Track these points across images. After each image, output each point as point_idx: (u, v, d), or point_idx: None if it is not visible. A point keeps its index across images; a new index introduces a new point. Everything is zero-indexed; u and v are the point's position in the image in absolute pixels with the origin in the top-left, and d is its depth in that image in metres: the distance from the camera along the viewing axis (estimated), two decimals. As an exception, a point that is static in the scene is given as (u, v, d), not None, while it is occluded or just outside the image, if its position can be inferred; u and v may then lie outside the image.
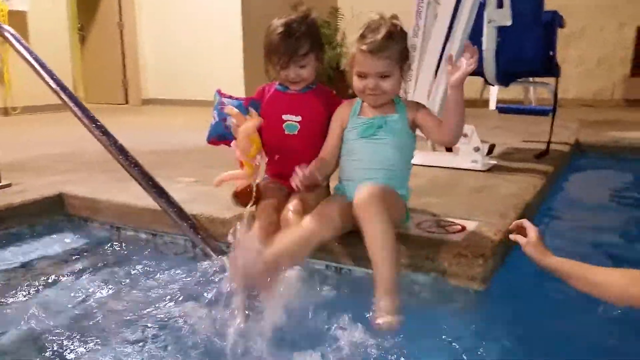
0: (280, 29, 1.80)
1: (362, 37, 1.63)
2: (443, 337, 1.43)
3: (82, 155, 3.54)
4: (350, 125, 1.75)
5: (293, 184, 1.62)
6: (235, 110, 1.80)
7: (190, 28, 8.18)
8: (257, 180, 1.88)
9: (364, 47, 1.61)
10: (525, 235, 1.55)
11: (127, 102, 8.83)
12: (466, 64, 1.54)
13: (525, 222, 1.58)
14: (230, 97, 1.96)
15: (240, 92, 7.24)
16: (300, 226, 1.60)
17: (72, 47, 8.00)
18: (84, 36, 8.97)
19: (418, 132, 1.77)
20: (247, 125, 1.75)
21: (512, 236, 1.59)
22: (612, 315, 1.37)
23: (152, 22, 8.67)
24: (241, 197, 1.90)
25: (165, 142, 4.08)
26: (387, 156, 1.69)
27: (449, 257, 1.60)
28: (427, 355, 1.36)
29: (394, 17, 1.68)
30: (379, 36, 1.59)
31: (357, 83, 1.68)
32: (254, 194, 1.87)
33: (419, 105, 1.77)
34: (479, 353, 1.38)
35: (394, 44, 1.62)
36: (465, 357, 1.35)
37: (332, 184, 1.92)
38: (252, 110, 1.80)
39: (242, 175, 1.86)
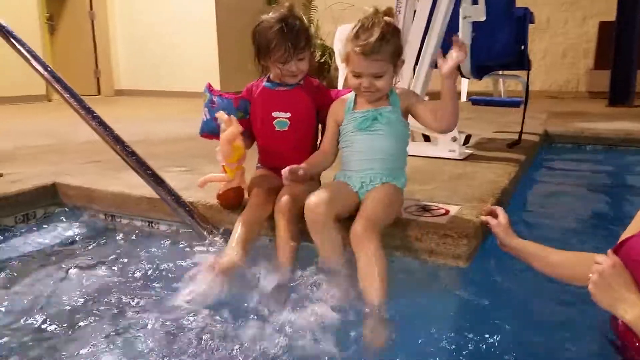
0: (277, 26, 1.83)
1: (356, 37, 1.67)
2: (432, 310, 1.56)
3: (68, 145, 3.58)
4: (346, 120, 1.83)
5: (284, 182, 1.73)
6: (225, 116, 1.89)
7: (164, 17, 8.14)
8: (238, 184, 1.98)
9: (357, 49, 1.66)
10: (495, 219, 1.70)
11: (99, 93, 8.75)
12: (456, 55, 1.64)
13: (497, 208, 1.73)
14: (220, 94, 2.02)
15: (215, 81, 7.26)
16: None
17: (42, 37, 7.87)
18: (54, 26, 8.82)
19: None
20: (228, 132, 1.85)
21: (483, 218, 1.73)
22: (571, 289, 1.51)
23: (124, 12, 8.60)
24: (223, 200, 2.00)
25: (147, 133, 4.11)
26: (383, 146, 1.78)
27: (436, 237, 1.74)
28: (416, 329, 1.48)
29: (388, 12, 1.71)
30: (372, 39, 1.63)
31: (352, 81, 1.74)
32: (233, 196, 1.98)
33: (412, 95, 1.83)
34: (465, 324, 1.53)
35: (386, 45, 1.66)
36: (454, 329, 1.49)
37: (327, 173, 2.02)
38: (232, 117, 1.88)
39: (224, 179, 1.97)
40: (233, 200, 2.00)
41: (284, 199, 1.82)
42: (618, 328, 1.28)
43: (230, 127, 1.86)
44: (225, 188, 1.98)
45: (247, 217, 1.86)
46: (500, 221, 1.67)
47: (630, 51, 5.96)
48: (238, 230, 1.81)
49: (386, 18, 1.70)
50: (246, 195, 2.01)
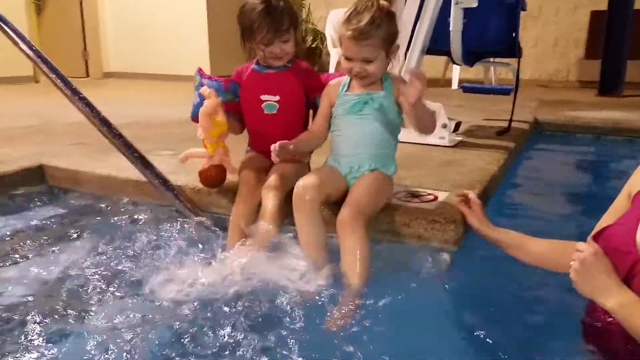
0: (260, 7, 1.84)
1: (348, 20, 1.65)
2: (419, 295, 1.57)
3: (55, 127, 3.54)
4: (338, 102, 1.82)
5: (273, 159, 1.74)
6: (208, 90, 1.88)
7: (154, 0, 8.04)
8: (219, 161, 1.97)
9: (348, 34, 1.64)
10: (469, 205, 1.71)
11: (87, 76, 8.63)
12: (418, 84, 1.59)
13: (470, 194, 1.74)
14: (210, 77, 2.02)
15: (205, 65, 7.18)
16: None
17: (28, 18, 7.74)
18: (40, 6, 8.65)
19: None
20: (206, 105, 1.84)
21: (457, 205, 1.74)
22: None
23: (113, -7, 8.47)
24: (204, 177, 1.99)
25: (136, 116, 4.07)
26: (372, 132, 1.77)
27: (424, 223, 1.74)
28: (403, 314, 1.48)
29: None
30: (362, 23, 1.61)
31: (344, 64, 1.73)
32: (214, 174, 1.97)
33: (404, 83, 1.79)
34: (452, 309, 1.54)
35: (377, 30, 1.63)
36: (441, 314, 1.50)
37: (317, 158, 2.02)
38: (210, 91, 1.87)
39: (204, 155, 1.96)
40: (214, 178, 1.99)
41: (273, 178, 1.83)
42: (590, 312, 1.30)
43: (209, 100, 1.84)
44: (206, 165, 1.97)
45: (241, 209, 1.85)
46: (473, 209, 1.68)
47: (621, 41, 5.96)
48: (235, 224, 1.81)
49: (382, 2, 1.67)
50: (235, 177, 2.00)
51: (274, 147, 1.71)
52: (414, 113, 1.68)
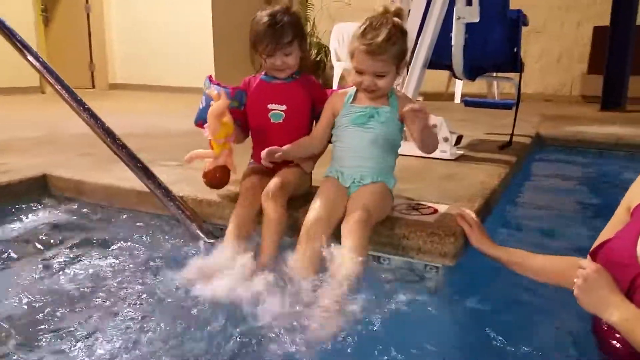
0: (265, 19, 1.90)
1: (363, 35, 1.68)
2: (418, 308, 1.57)
3: (59, 138, 3.58)
4: (343, 112, 1.85)
5: (263, 164, 1.83)
6: (215, 91, 1.92)
7: (159, 12, 8.12)
8: (224, 163, 1.98)
9: (362, 48, 1.68)
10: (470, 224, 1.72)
11: (93, 87, 8.71)
12: (424, 120, 1.67)
13: (467, 215, 1.75)
14: (218, 84, 2.05)
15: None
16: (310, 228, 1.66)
17: (36, 29, 7.83)
18: (48, 18, 8.76)
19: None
20: (214, 107, 1.86)
21: (460, 223, 1.74)
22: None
23: (120, 5, 8.56)
24: (209, 178, 2.01)
25: (140, 127, 4.11)
26: (375, 145, 1.80)
27: (423, 236, 1.74)
28: (401, 327, 1.48)
29: (398, 12, 1.72)
30: (379, 39, 1.65)
31: (354, 77, 1.77)
32: (219, 175, 1.99)
33: (409, 102, 1.82)
34: (451, 322, 1.54)
35: (392, 47, 1.68)
36: (439, 327, 1.50)
37: (319, 170, 2.03)
38: (220, 92, 1.90)
39: (209, 155, 1.98)
40: (219, 179, 2.01)
41: (273, 184, 1.85)
42: (596, 329, 1.30)
43: (217, 102, 1.87)
44: (211, 166, 1.99)
45: (240, 214, 1.87)
46: (473, 229, 1.69)
47: (624, 56, 5.98)
48: (231, 229, 1.82)
49: (395, 19, 1.71)
50: (237, 187, 2.02)
51: (263, 153, 1.79)
52: (421, 136, 1.73)
